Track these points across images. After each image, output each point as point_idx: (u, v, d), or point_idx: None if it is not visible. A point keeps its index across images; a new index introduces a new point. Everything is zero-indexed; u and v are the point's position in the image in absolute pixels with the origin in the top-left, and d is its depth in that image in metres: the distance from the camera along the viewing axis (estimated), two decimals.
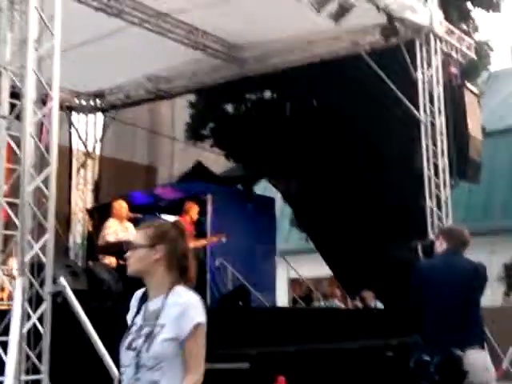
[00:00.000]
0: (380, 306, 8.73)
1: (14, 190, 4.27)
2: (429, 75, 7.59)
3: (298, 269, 10.63)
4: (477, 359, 3.51)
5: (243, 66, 8.91)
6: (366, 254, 8.89)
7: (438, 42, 7.71)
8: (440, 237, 3.92)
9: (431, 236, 6.91)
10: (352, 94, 8.57)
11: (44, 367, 3.94)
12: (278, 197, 10.59)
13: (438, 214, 7.32)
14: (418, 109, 7.55)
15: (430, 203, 7.32)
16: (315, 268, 11.48)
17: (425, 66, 7.60)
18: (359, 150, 8.78)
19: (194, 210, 7.60)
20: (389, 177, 8.47)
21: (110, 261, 6.36)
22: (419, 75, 7.56)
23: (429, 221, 7.25)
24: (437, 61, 7.65)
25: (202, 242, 7.77)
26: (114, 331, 4.40)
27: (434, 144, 7.50)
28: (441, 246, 3.83)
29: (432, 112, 7.56)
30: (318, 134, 9.16)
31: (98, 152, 10.11)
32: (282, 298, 11.15)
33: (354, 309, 8.85)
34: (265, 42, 8.49)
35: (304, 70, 8.56)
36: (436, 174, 7.45)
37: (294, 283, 12.54)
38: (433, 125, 7.53)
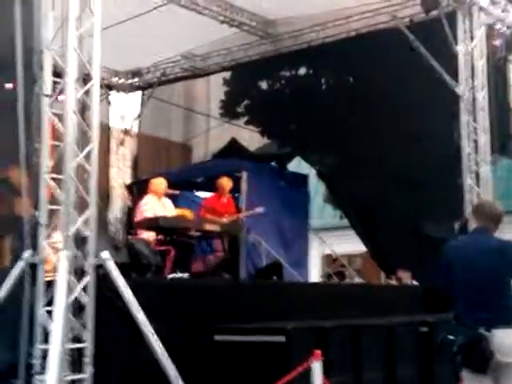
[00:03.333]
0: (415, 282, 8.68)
1: (58, 166, 4.42)
2: (471, 48, 7.40)
3: (330, 245, 10.68)
4: (504, 338, 3.47)
5: (278, 42, 8.87)
6: (402, 232, 8.84)
7: (481, 13, 7.50)
8: (472, 214, 3.90)
9: (468, 214, 6.84)
10: (389, 69, 8.44)
11: (88, 336, 4.11)
12: (311, 174, 10.60)
13: (476, 191, 7.22)
14: (457, 84, 7.41)
15: (468, 180, 7.23)
16: (348, 245, 11.52)
17: (467, 38, 7.40)
18: (396, 126, 8.68)
19: (226, 185, 7.70)
20: (426, 153, 8.36)
21: (148, 235, 6.53)
22: (460, 49, 7.37)
23: (467, 198, 7.16)
24: (480, 33, 7.45)
25: (239, 216, 7.88)
26: (153, 302, 4.59)
27: (475, 120, 7.36)
28: (473, 225, 3.82)
29: (473, 87, 7.39)
30: (353, 110, 9.08)
31: (135, 130, 10.30)
32: (315, 274, 11.22)
33: (389, 285, 8.87)
34: (300, 18, 8.43)
35: (339, 45, 8.48)
36: (476, 150, 7.33)
37: (326, 259, 12.60)
38: (474, 100, 7.37)
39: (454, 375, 3.84)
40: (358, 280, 9.86)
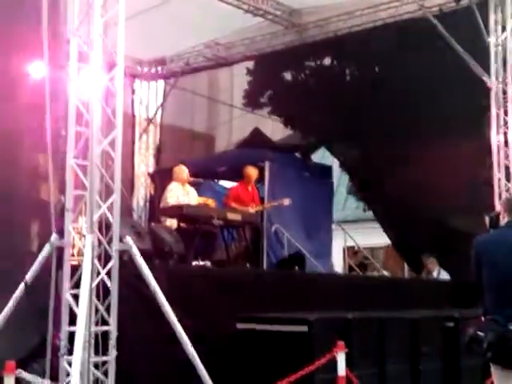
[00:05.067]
0: (444, 274, 8.54)
1: (83, 153, 4.44)
2: (503, 39, 7.25)
3: (353, 237, 10.60)
4: None
5: (303, 32, 8.79)
6: (428, 225, 8.72)
7: None
8: (502, 208, 3.82)
9: (498, 208, 6.72)
10: (415, 60, 8.30)
11: (112, 319, 4.15)
12: (335, 165, 10.52)
13: (506, 184, 7.10)
14: (489, 75, 7.26)
15: (498, 174, 7.11)
16: (371, 237, 11.42)
17: (499, 29, 7.25)
18: (422, 117, 8.54)
19: (253, 175, 7.68)
20: (454, 145, 8.23)
21: (172, 223, 6.55)
22: (492, 39, 7.22)
23: (496, 192, 7.05)
24: None
25: (266, 206, 7.86)
26: (175, 289, 4.61)
27: (505, 113, 7.22)
28: (503, 219, 3.74)
29: (504, 79, 7.24)
30: (378, 101, 8.96)
31: (159, 118, 10.33)
32: (337, 266, 11.16)
33: (414, 278, 8.78)
34: (325, 7, 8.34)
35: (365, 35, 8.36)
36: (506, 143, 7.19)
37: (348, 252, 12.53)
38: (504, 92, 7.23)
39: (482, 371, 3.79)
40: (381, 273, 9.78)
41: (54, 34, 4.70)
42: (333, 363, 4.41)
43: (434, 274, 8.51)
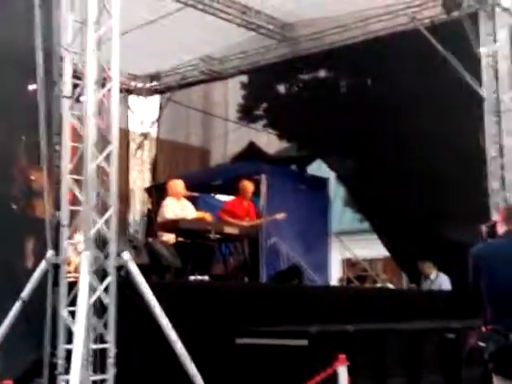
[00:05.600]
0: (442, 276, 8.48)
1: (78, 168, 4.42)
2: (494, 50, 7.30)
3: (351, 249, 10.56)
4: None
5: (296, 45, 8.84)
6: (425, 236, 8.71)
7: (504, 14, 7.37)
8: (499, 218, 3.81)
9: (494, 218, 6.71)
10: (409, 71, 8.35)
11: (110, 336, 4.10)
12: (331, 177, 10.52)
13: (503, 195, 7.09)
14: (481, 86, 7.29)
15: (494, 184, 7.11)
16: (368, 249, 11.38)
17: (490, 39, 7.30)
18: (417, 129, 8.56)
19: (249, 189, 7.66)
20: (448, 156, 8.24)
21: (169, 237, 6.51)
22: (483, 50, 7.27)
23: (492, 202, 7.04)
24: (503, 34, 7.31)
25: (260, 221, 7.84)
26: (173, 304, 4.56)
27: (499, 123, 7.23)
28: (501, 228, 3.72)
29: (497, 89, 7.28)
30: (373, 113, 9.00)
31: (154, 133, 10.33)
32: (335, 278, 11.11)
33: (415, 289, 8.73)
34: (318, 20, 8.39)
35: (358, 48, 8.41)
36: (501, 154, 7.20)
37: (346, 264, 12.49)
38: (498, 102, 7.26)
39: (484, 382, 3.75)
40: (384, 284, 9.72)
41: (48, 50, 4.70)
42: (334, 377, 4.36)
43: (432, 277, 8.45)
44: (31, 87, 4.66)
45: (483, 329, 3.60)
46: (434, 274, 8.49)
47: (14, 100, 4.82)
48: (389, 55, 8.35)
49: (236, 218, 7.43)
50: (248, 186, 7.69)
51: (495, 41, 7.28)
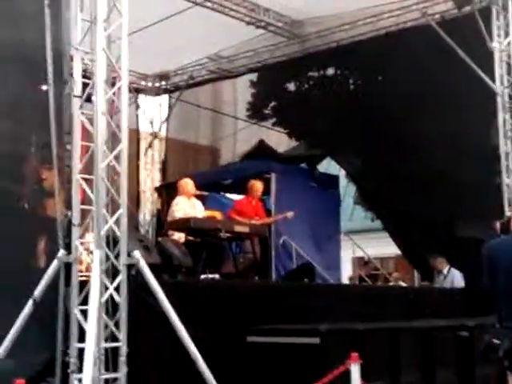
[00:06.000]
0: (455, 272, 8.42)
1: (88, 167, 4.42)
2: (506, 44, 7.22)
3: (362, 248, 10.51)
4: None
5: (305, 42, 8.81)
6: (437, 233, 8.65)
7: None
8: None
9: (508, 213, 6.65)
10: (419, 67, 8.28)
11: (122, 335, 4.10)
12: (341, 174, 10.47)
13: None
14: (493, 81, 7.22)
15: (506, 180, 7.05)
16: (380, 247, 11.33)
17: (502, 34, 7.22)
18: (428, 125, 8.50)
19: (258, 188, 7.64)
20: (461, 152, 8.18)
21: (179, 236, 6.51)
22: (495, 45, 7.19)
23: (505, 198, 6.99)
24: None
25: (269, 220, 7.82)
26: (184, 303, 4.55)
27: None
28: None
29: (510, 83, 7.21)
30: (382, 110, 8.93)
31: (163, 133, 10.34)
32: (347, 277, 11.07)
33: (428, 287, 8.67)
34: (328, 17, 8.35)
35: (368, 45, 8.35)
36: None
37: (358, 262, 12.44)
38: (510, 97, 7.19)
39: (499, 379, 3.70)
40: (392, 283, 9.66)
41: (58, 49, 4.71)
42: (346, 375, 4.33)
43: (444, 271, 8.39)
44: (44, 87, 4.67)
45: (497, 326, 3.55)
46: (446, 269, 8.42)
47: (25, 100, 4.83)
48: (399, 52, 8.29)
49: (244, 217, 7.42)
50: (256, 185, 7.67)
51: (507, 35, 7.21)
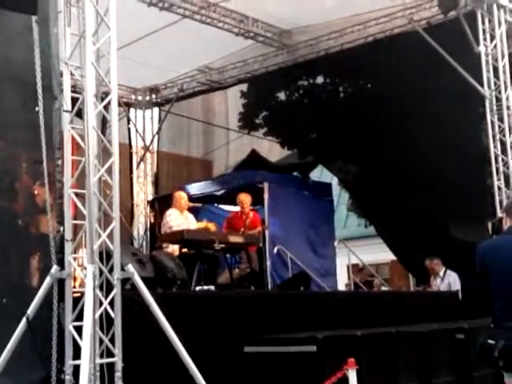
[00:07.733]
0: (451, 273, 8.42)
1: (80, 182, 4.41)
2: (492, 48, 7.29)
3: (357, 255, 10.51)
4: None
5: (294, 52, 8.87)
6: (431, 237, 8.67)
7: (501, 11, 7.37)
8: (504, 214, 3.77)
9: (499, 214, 6.68)
10: (408, 73, 8.35)
11: (117, 350, 4.06)
12: (334, 182, 10.50)
13: (506, 192, 7.07)
14: (481, 84, 7.28)
15: (497, 181, 7.09)
16: (375, 254, 11.34)
17: (487, 38, 7.29)
18: (419, 130, 8.55)
19: (243, 201, 7.65)
20: (452, 156, 8.23)
21: (173, 249, 6.49)
22: (482, 48, 7.26)
23: (497, 199, 7.03)
24: (500, 32, 7.32)
25: (256, 231, 7.80)
26: (180, 315, 4.53)
27: (501, 120, 7.23)
28: (506, 224, 3.69)
29: (497, 86, 7.27)
30: (373, 117, 8.99)
31: (155, 146, 10.35)
32: (342, 284, 11.06)
33: (422, 292, 8.66)
34: (315, 26, 8.42)
35: (356, 52, 8.42)
36: (504, 151, 7.18)
37: (352, 269, 12.43)
38: (498, 100, 7.25)
39: (495, 380, 3.70)
40: (388, 289, 9.65)
41: (47, 65, 4.71)
42: (343, 381, 4.31)
43: (441, 273, 8.39)
44: (36, 109, 4.65)
45: (492, 326, 3.55)
46: (442, 271, 8.43)
47: (15, 117, 4.82)
48: (387, 58, 8.37)
49: (233, 230, 7.44)
50: (244, 199, 7.68)
51: (493, 38, 7.28)
